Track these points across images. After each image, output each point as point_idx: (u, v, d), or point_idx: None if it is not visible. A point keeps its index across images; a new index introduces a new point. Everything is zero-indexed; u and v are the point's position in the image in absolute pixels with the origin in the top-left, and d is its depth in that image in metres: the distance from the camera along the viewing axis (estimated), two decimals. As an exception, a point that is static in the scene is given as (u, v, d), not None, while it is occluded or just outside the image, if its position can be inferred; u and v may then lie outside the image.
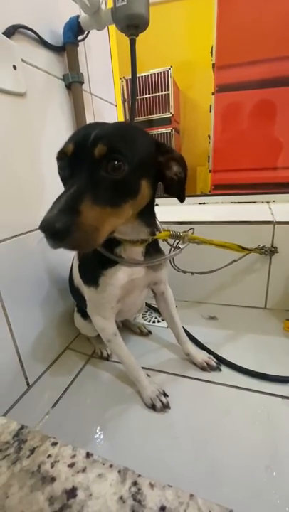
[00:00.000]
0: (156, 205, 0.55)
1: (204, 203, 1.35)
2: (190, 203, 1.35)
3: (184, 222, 0.98)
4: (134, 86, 0.85)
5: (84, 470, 0.28)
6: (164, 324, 0.95)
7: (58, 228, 0.34)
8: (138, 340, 0.90)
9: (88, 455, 0.29)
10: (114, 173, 0.39)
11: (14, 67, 0.64)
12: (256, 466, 0.51)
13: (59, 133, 0.83)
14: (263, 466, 0.51)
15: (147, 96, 2.52)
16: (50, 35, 0.76)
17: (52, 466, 0.29)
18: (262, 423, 0.59)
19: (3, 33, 0.62)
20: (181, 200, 0.54)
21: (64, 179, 0.43)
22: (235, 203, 1.31)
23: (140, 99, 2.53)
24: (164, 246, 0.67)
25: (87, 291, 0.62)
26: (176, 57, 2.62)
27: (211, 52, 1.74)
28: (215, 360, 0.75)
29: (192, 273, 0.93)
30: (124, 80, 2.38)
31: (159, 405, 0.63)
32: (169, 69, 2.42)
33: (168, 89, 2.47)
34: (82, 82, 0.84)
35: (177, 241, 0.69)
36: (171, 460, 0.53)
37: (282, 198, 1.24)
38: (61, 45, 0.80)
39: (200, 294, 1.08)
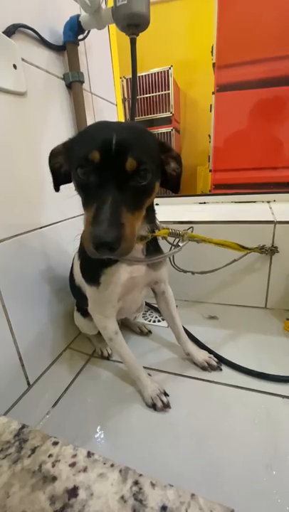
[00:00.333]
0: (157, 204, 0.56)
1: (204, 203, 1.35)
2: (190, 203, 1.35)
3: (185, 221, 0.98)
4: (134, 85, 0.84)
5: (85, 469, 0.28)
6: (164, 324, 0.95)
7: (112, 243, 0.37)
8: (138, 340, 0.90)
9: (89, 454, 0.29)
10: (141, 181, 0.42)
11: (14, 66, 0.64)
12: (257, 465, 0.51)
13: (59, 132, 0.83)
14: (263, 465, 0.51)
15: (148, 95, 2.52)
16: (51, 35, 0.76)
17: (53, 466, 0.29)
18: (262, 422, 0.59)
19: (3, 32, 0.62)
20: (176, 192, 0.57)
21: (86, 186, 0.42)
22: (235, 202, 1.31)
23: (140, 98, 2.53)
24: (163, 246, 0.67)
25: (88, 290, 0.62)
26: (177, 57, 2.62)
27: (212, 52, 1.74)
28: (215, 359, 0.75)
29: (192, 273, 0.93)
30: (125, 80, 2.38)
31: (159, 405, 0.63)
32: (170, 68, 2.42)
33: (168, 89, 2.47)
34: (82, 82, 0.84)
35: (177, 239, 0.69)
36: (172, 459, 0.54)
37: (283, 197, 1.24)
38: (61, 45, 0.80)
39: (200, 293, 1.08)
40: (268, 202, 1.24)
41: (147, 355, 0.82)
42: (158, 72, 2.45)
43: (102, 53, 1.06)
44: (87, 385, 0.74)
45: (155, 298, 0.76)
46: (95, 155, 0.40)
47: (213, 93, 1.76)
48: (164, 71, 2.43)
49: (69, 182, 0.54)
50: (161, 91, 2.49)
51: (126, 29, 0.75)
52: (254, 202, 1.27)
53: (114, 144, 0.39)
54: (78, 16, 0.79)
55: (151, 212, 0.57)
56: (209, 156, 1.94)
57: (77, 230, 0.65)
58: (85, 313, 0.76)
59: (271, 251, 0.92)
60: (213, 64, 1.73)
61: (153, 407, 0.64)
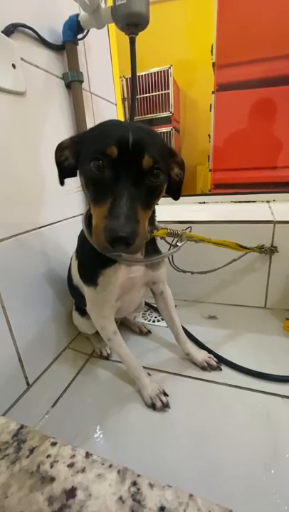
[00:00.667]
0: (156, 204, 0.55)
1: (204, 203, 1.34)
2: (190, 203, 1.34)
3: (184, 221, 0.98)
4: (134, 85, 0.84)
5: (83, 470, 0.28)
6: (163, 323, 0.95)
7: (129, 238, 0.37)
8: (138, 340, 0.90)
9: (88, 455, 0.29)
10: (154, 180, 0.43)
11: (13, 66, 0.64)
12: (256, 465, 0.51)
13: (59, 132, 0.83)
14: (262, 465, 0.51)
15: (147, 95, 2.52)
16: (50, 34, 0.76)
17: (51, 466, 0.28)
18: (262, 422, 0.59)
19: (2, 32, 0.61)
20: (176, 198, 0.58)
21: (99, 180, 0.42)
22: (235, 202, 1.31)
23: (140, 98, 2.52)
24: (162, 246, 0.67)
25: (86, 290, 0.62)
26: (177, 56, 2.61)
27: (212, 51, 1.74)
28: (215, 359, 0.75)
29: (192, 272, 0.93)
30: (124, 79, 2.37)
31: (159, 404, 0.63)
32: (169, 68, 2.41)
33: (168, 88, 2.47)
34: (81, 81, 0.84)
35: (175, 239, 0.69)
36: (171, 459, 0.53)
37: (282, 197, 1.24)
38: (61, 44, 0.79)
39: (200, 293, 1.07)
40: (268, 202, 1.23)
41: (147, 354, 0.82)
42: (158, 72, 2.44)
43: (102, 53, 1.05)
44: (87, 385, 0.74)
45: (154, 298, 0.76)
46: (113, 149, 0.40)
47: (212, 93, 1.76)
48: (164, 71, 2.43)
49: (73, 176, 0.54)
50: (161, 90, 2.48)
51: (125, 28, 0.75)
52: (254, 202, 1.27)
53: (131, 141, 0.40)
54: (77, 15, 0.79)
55: (152, 213, 0.57)
56: (209, 156, 1.93)
57: (77, 230, 0.65)
58: (83, 313, 0.76)
59: (271, 251, 0.91)
60: (213, 63, 1.73)
61: (152, 406, 0.64)
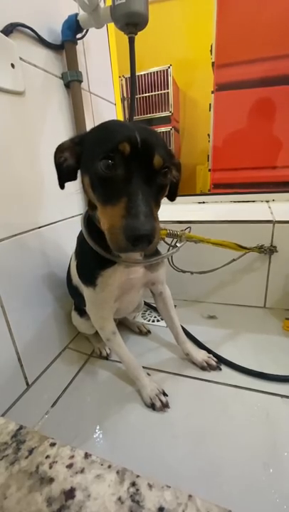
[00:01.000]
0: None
1: (204, 202, 1.34)
2: (189, 202, 1.35)
3: (184, 221, 0.98)
4: (133, 84, 0.84)
5: (82, 471, 0.28)
6: (163, 323, 0.95)
7: (150, 235, 0.37)
8: (137, 340, 0.90)
9: (87, 455, 0.29)
10: (163, 179, 0.44)
11: (12, 65, 0.64)
12: (255, 465, 0.51)
13: (58, 132, 0.83)
14: (262, 465, 0.51)
15: (147, 95, 2.51)
16: (49, 34, 0.76)
17: (50, 467, 0.28)
18: (261, 422, 0.59)
19: (1, 31, 0.61)
20: (173, 199, 0.59)
21: (109, 180, 0.41)
22: (234, 202, 1.31)
23: (140, 97, 2.52)
24: (161, 247, 0.66)
25: (85, 291, 0.62)
26: (176, 56, 2.61)
27: (211, 51, 1.73)
28: (215, 359, 0.75)
29: (191, 272, 0.93)
30: (124, 79, 2.37)
31: (158, 404, 0.63)
32: (169, 67, 2.41)
33: (167, 88, 2.46)
34: (81, 81, 0.84)
35: (175, 240, 0.69)
36: (171, 459, 0.53)
37: (282, 197, 1.24)
38: (60, 44, 0.79)
39: (199, 293, 1.07)
40: (267, 201, 1.24)
41: (146, 354, 0.82)
42: (157, 72, 2.44)
43: (101, 52, 1.05)
44: (86, 385, 0.74)
45: (153, 298, 0.76)
46: (125, 146, 0.39)
47: (212, 92, 1.76)
48: (163, 70, 2.42)
49: (73, 179, 0.53)
50: (161, 90, 2.48)
51: (124, 28, 0.75)
52: (253, 201, 1.27)
53: (139, 141, 0.40)
54: (76, 14, 0.79)
55: None
56: (208, 156, 1.93)
57: (76, 230, 0.65)
58: (82, 313, 0.76)
59: (270, 250, 0.91)
60: (213, 63, 1.72)
61: (152, 406, 0.64)
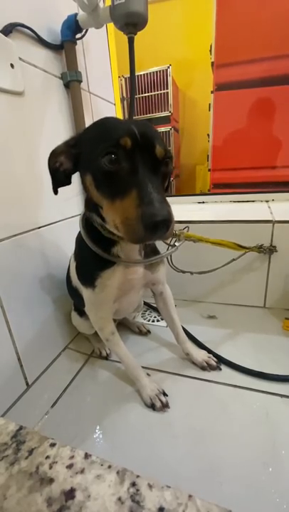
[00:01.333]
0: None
1: (203, 202, 1.34)
2: (189, 202, 1.34)
3: (183, 221, 0.98)
4: (132, 84, 0.84)
5: (82, 471, 0.28)
6: (163, 323, 0.95)
7: (168, 220, 0.38)
8: (137, 340, 0.90)
9: (87, 456, 0.29)
10: (166, 169, 0.45)
11: (12, 65, 0.64)
12: (255, 465, 0.51)
13: (57, 131, 0.83)
14: (262, 465, 0.51)
15: (146, 94, 2.51)
16: (48, 34, 0.76)
17: (50, 467, 0.28)
18: (261, 422, 0.59)
19: (0, 31, 0.61)
20: (166, 191, 0.59)
21: (115, 174, 0.41)
22: (234, 201, 1.31)
23: (139, 97, 2.52)
24: (160, 246, 0.67)
25: (85, 292, 0.62)
26: (176, 56, 2.61)
27: (210, 51, 1.73)
28: (215, 359, 0.75)
29: (191, 273, 0.93)
30: (123, 79, 2.37)
31: (158, 404, 0.63)
32: (168, 67, 2.41)
33: (167, 88, 2.46)
34: (80, 81, 0.84)
35: (173, 239, 0.69)
36: (171, 459, 0.53)
37: (282, 196, 1.24)
38: (59, 44, 0.79)
39: (199, 293, 1.07)
40: (267, 201, 1.24)
41: (146, 354, 0.82)
42: (157, 72, 2.44)
43: (100, 52, 1.05)
44: (86, 385, 0.74)
45: (154, 298, 0.76)
46: (126, 140, 0.40)
47: (211, 92, 1.76)
48: (163, 70, 2.42)
49: (68, 184, 0.53)
50: (160, 90, 2.48)
51: (124, 28, 0.75)
52: (253, 201, 1.27)
53: (138, 134, 0.40)
54: (76, 14, 0.79)
55: None
56: (208, 156, 1.93)
57: (76, 231, 0.65)
58: (82, 313, 0.76)
59: (270, 250, 0.91)
60: (212, 63, 1.72)
61: (152, 406, 0.64)
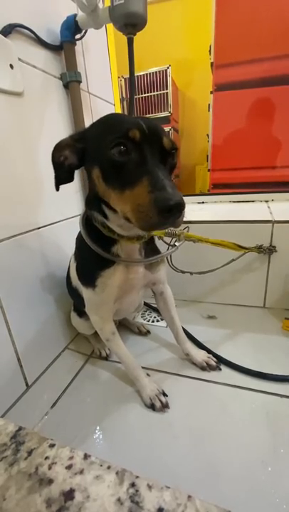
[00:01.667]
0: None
1: (203, 202, 1.34)
2: (189, 202, 1.34)
3: (183, 221, 0.98)
4: (132, 85, 0.84)
5: (82, 472, 0.28)
6: (163, 324, 0.95)
7: (182, 203, 0.38)
8: (137, 340, 0.90)
9: (86, 456, 0.29)
10: (173, 160, 0.46)
11: (11, 66, 0.64)
12: (255, 465, 0.51)
13: (57, 132, 0.83)
14: (261, 465, 0.51)
15: (146, 95, 2.51)
16: (48, 34, 0.76)
17: (49, 468, 0.28)
18: (261, 422, 0.59)
19: (0, 32, 0.61)
20: None
21: (125, 165, 0.42)
22: (234, 202, 1.31)
23: (139, 98, 2.51)
24: (160, 246, 0.67)
25: (85, 292, 0.62)
26: (175, 56, 2.60)
27: (210, 51, 1.73)
28: (214, 359, 0.75)
29: (191, 273, 0.93)
30: (123, 79, 2.37)
31: (158, 405, 0.63)
32: (168, 68, 2.41)
33: (166, 88, 2.46)
34: (79, 81, 0.84)
35: (173, 239, 0.69)
36: (171, 459, 0.53)
37: (281, 196, 1.24)
38: (58, 44, 0.79)
39: (199, 293, 1.07)
40: (266, 201, 1.24)
41: (146, 355, 0.82)
42: (156, 72, 2.43)
43: (100, 53, 1.05)
44: (86, 386, 0.74)
45: (154, 298, 0.76)
46: (135, 132, 0.41)
47: (211, 92, 1.76)
48: (162, 71, 2.42)
49: (70, 181, 0.53)
50: (160, 90, 2.47)
51: (123, 29, 0.75)
52: (252, 201, 1.27)
53: (145, 127, 0.42)
54: (75, 15, 0.79)
55: None
56: (208, 156, 1.93)
57: (76, 231, 0.65)
58: (81, 313, 0.76)
59: (269, 250, 0.91)
60: (211, 63, 1.72)
61: (152, 407, 0.64)
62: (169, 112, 2.53)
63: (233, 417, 0.61)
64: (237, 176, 1.80)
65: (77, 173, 0.54)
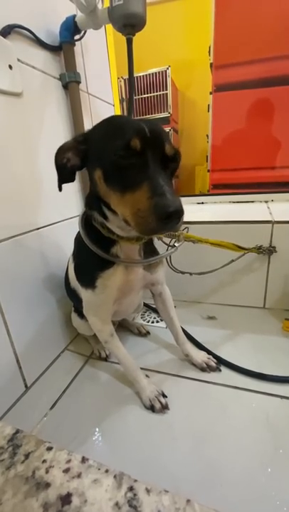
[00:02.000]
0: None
1: (203, 203, 1.34)
2: (188, 203, 1.34)
3: (183, 222, 0.98)
4: (131, 86, 0.84)
5: (79, 475, 0.28)
6: (162, 324, 0.95)
7: (181, 210, 0.39)
8: (137, 341, 0.89)
9: (84, 460, 0.29)
10: (174, 165, 0.46)
11: (10, 66, 0.64)
12: (255, 467, 0.50)
13: (56, 132, 0.82)
14: (262, 467, 0.50)
15: (145, 96, 2.51)
16: (47, 35, 0.76)
17: (47, 472, 0.28)
18: (261, 423, 0.58)
19: (-2, 33, 0.61)
20: None
21: (127, 168, 0.42)
22: (233, 202, 1.30)
23: (138, 98, 2.52)
24: (159, 247, 0.66)
25: (83, 293, 0.62)
26: (174, 57, 2.61)
27: (209, 52, 1.73)
28: (214, 360, 0.74)
29: (191, 274, 0.93)
30: (123, 80, 2.37)
31: (158, 406, 0.63)
32: (167, 68, 2.41)
33: (166, 89, 2.46)
34: (79, 82, 0.84)
35: (173, 240, 0.69)
36: (170, 461, 0.53)
37: (281, 197, 1.24)
38: (58, 45, 0.79)
39: (199, 293, 1.07)
40: (266, 202, 1.23)
41: (146, 356, 0.81)
42: (156, 73, 2.44)
43: (99, 53, 1.05)
44: (85, 387, 0.73)
45: (153, 299, 0.76)
46: (136, 143, 0.41)
47: (210, 93, 1.76)
48: (162, 71, 2.42)
49: (71, 181, 0.54)
50: (159, 91, 2.48)
51: (122, 29, 0.74)
52: (252, 202, 1.26)
53: (148, 131, 0.42)
54: (74, 16, 0.79)
55: None
56: (207, 156, 1.93)
57: (76, 231, 0.65)
58: (82, 314, 0.75)
59: (269, 251, 0.91)
60: (211, 64, 1.72)
61: (151, 408, 0.63)
62: (169, 113, 2.53)
63: (233, 418, 0.60)
64: (237, 177, 1.80)
65: (77, 174, 0.54)
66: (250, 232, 0.93)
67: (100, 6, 0.75)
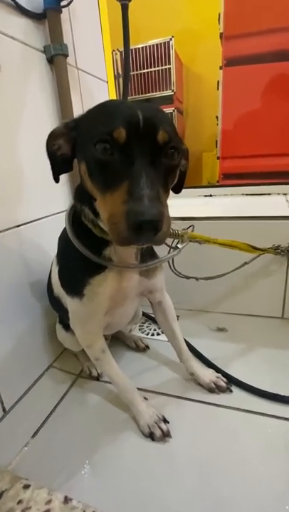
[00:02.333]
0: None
1: (210, 196, 1.34)
2: (194, 196, 1.34)
3: (187, 218, 0.98)
4: (126, 59, 0.84)
5: (61, 519, 0.27)
6: (164, 337, 0.94)
7: (157, 221, 0.37)
8: (134, 357, 0.89)
9: (66, 500, 0.28)
10: (170, 160, 0.44)
11: (-15, 37, 0.64)
12: (270, 504, 0.50)
13: (39, 114, 0.82)
14: (279, 504, 0.50)
15: (145, 71, 2.52)
16: (28, 0, 0.76)
17: (23, 514, 0.28)
18: (277, 453, 0.58)
19: (-29, -2, 0.61)
20: (178, 192, 0.59)
21: (108, 164, 0.41)
22: (247, 194, 1.30)
23: (137, 74, 2.52)
24: (160, 248, 0.66)
25: (70, 302, 0.61)
26: (179, 26, 2.62)
27: (219, 20, 1.74)
28: (224, 379, 0.74)
29: (197, 278, 0.93)
30: (118, 53, 2.38)
31: (158, 434, 0.62)
32: (170, 39, 2.42)
33: (169, 63, 2.47)
34: (66, 55, 0.84)
35: (175, 240, 0.68)
36: (172, 499, 0.53)
37: (302, 188, 1.24)
38: (41, 12, 0.79)
39: (206, 301, 1.07)
40: (285, 194, 1.23)
41: (144, 374, 0.81)
42: (157, 44, 2.45)
43: (90, 22, 1.05)
44: (73, 411, 0.73)
45: (152, 308, 0.76)
46: (120, 132, 0.39)
47: (220, 68, 1.76)
48: (164, 43, 2.43)
49: (69, 170, 0.54)
50: (161, 66, 2.49)
51: (116, -7, 0.75)
52: (269, 194, 1.27)
53: (141, 117, 0.40)
54: (60, -22, 0.79)
55: None
56: (217, 141, 1.94)
57: (61, 228, 0.64)
58: (68, 327, 0.75)
59: (288, 252, 0.91)
60: (221, 34, 1.73)
61: (150, 436, 0.63)
62: (172, 91, 2.54)
63: (246, 447, 0.60)
64: (251, 165, 1.80)
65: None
66: (267, 229, 0.93)
67: None
